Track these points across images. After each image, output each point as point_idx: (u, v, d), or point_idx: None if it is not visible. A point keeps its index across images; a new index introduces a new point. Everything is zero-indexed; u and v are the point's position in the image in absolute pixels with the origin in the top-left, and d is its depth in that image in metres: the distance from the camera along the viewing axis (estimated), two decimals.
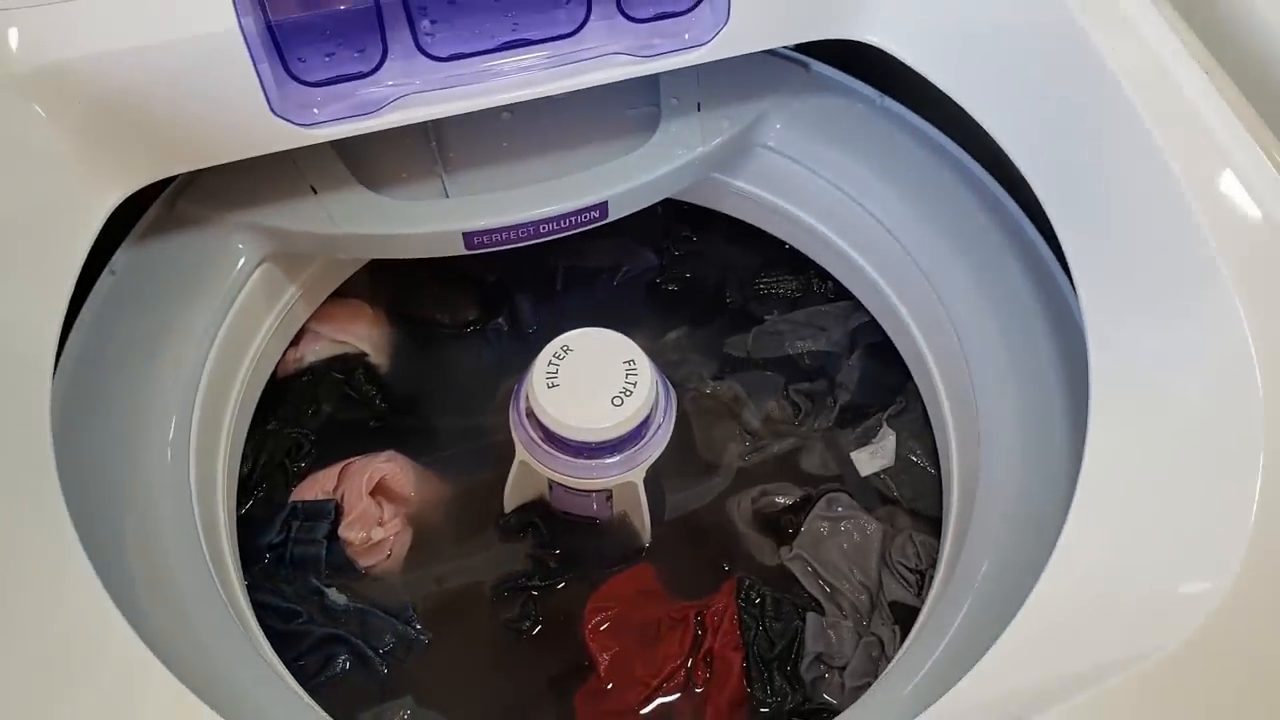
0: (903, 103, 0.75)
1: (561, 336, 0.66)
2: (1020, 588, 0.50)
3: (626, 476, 0.66)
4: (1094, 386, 0.54)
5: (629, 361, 0.65)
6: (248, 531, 0.69)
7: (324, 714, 0.55)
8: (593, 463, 0.65)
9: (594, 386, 0.64)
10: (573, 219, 0.71)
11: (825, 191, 0.76)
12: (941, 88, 0.64)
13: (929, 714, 0.46)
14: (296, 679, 0.61)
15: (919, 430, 0.77)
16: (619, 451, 0.66)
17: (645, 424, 0.65)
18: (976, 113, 0.63)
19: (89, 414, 0.60)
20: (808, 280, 0.85)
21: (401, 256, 0.71)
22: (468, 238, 0.69)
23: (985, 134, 0.62)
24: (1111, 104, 0.55)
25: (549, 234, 0.71)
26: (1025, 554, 0.56)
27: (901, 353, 0.77)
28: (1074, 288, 0.58)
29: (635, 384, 0.64)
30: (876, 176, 0.74)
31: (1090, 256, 0.57)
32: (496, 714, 0.66)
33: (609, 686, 0.66)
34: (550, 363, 0.65)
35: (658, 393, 0.66)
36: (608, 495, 0.69)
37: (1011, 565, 0.57)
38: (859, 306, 0.81)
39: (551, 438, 0.64)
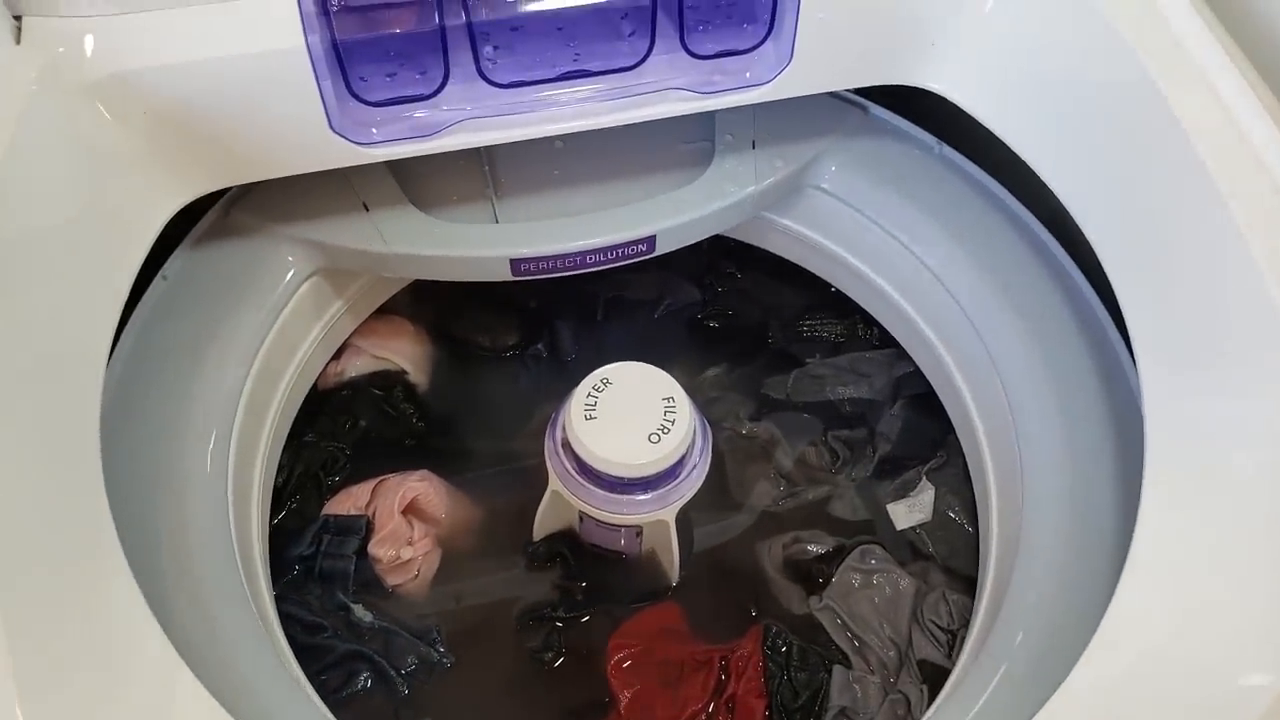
0: (961, 151, 0.74)
1: (602, 369, 0.66)
2: (1057, 663, 0.49)
3: (658, 514, 0.66)
4: (1149, 458, 0.52)
5: (668, 399, 0.65)
6: (279, 542, 0.69)
7: (321, 703, 0.55)
8: (625, 498, 0.65)
9: (632, 421, 0.64)
10: (620, 250, 0.71)
11: (875, 236, 0.75)
12: (1004, 140, 0.63)
13: None
14: (318, 692, 0.61)
15: (958, 486, 0.75)
16: (653, 489, 0.65)
17: (681, 463, 0.65)
18: (1040, 168, 0.62)
19: (135, 415, 0.61)
20: (853, 325, 0.84)
21: (448, 279, 0.72)
22: (515, 264, 0.70)
23: (1045, 188, 0.61)
24: (1185, 169, 0.53)
25: (596, 264, 0.71)
26: (1065, 628, 0.55)
27: (945, 406, 0.76)
28: (1131, 353, 0.56)
29: (674, 421, 0.64)
30: (929, 224, 0.73)
31: (1151, 323, 0.55)
32: None
33: None
34: (590, 395, 0.65)
35: (695, 432, 0.66)
36: (638, 531, 0.69)
37: (1049, 638, 0.56)
38: (904, 355, 0.80)
39: (585, 470, 0.64)
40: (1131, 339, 0.56)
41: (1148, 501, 0.51)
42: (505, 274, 0.70)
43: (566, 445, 0.65)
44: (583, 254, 0.70)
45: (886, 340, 0.81)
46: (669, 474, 0.65)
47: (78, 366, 0.51)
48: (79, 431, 0.50)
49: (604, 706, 0.66)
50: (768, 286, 0.87)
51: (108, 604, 0.46)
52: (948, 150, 0.74)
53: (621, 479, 0.63)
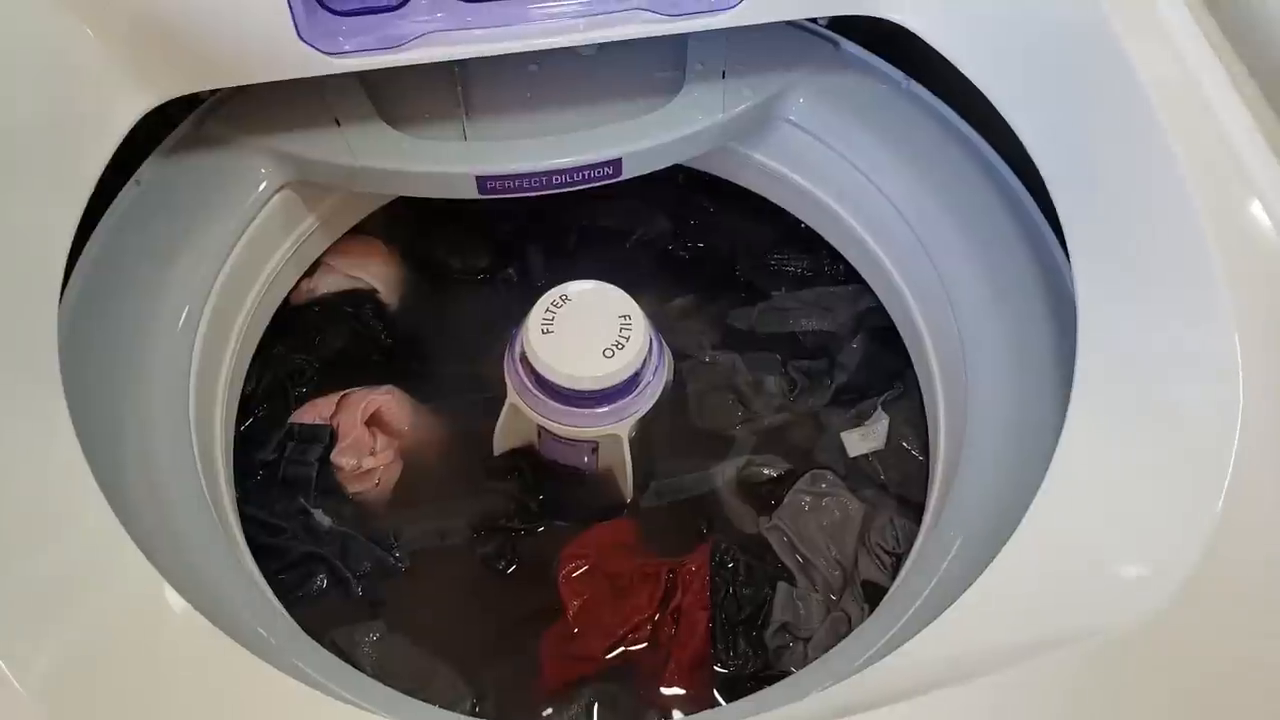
0: (930, 88, 0.75)
1: (561, 286, 0.67)
2: (985, 567, 0.51)
3: (612, 428, 0.67)
4: (1078, 378, 0.54)
5: (625, 316, 0.66)
6: (245, 447, 0.71)
7: (275, 600, 0.57)
8: (581, 411, 0.66)
9: (588, 337, 0.65)
10: (586, 173, 0.72)
11: (843, 171, 0.76)
12: (966, 73, 0.64)
13: (874, 669, 0.47)
14: (275, 591, 0.64)
15: (913, 417, 0.77)
16: (607, 403, 0.67)
17: (635, 378, 0.66)
18: (999, 102, 0.62)
19: (101, 315, 0.62)
20: (819, 260, 0.85)
21: (415, 195, 0.73)
22: (481, 182, 0.71)
23: (1011, 130, 0.62)
24: (1135, 112, 0.55)
25: (562, 185, 0.72)
26: (995, 538, 0.57)
27: (903, 337, 0.77)
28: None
29: (629, 338, 0.65)
30: (895, 160, 0.74)
31: (1092, 256, 0.57)
32: (464, 645, 0.67)
33: (575, 631, 0.67)
34: (548, 310, 0.66)
35: (650, 350, 0.67)
36: (594, 448, 0.70)
37: (980, 547, 0.57)
38: (868, 290, 0.81)
39: (542, 383, 0.66)
40: (1075, 276, 0.57)
41: (1073, 415, 0.53)
42: (471, 191, 0.71)
43: (524, 359, 0.66)
44: (549, 174, 0.71)
45: (852, 276, 0.82)
46: (623, 389, 0.66)
47: (38, 260, 0.53)
48: (35, 323, 0.51)
49: (553, 613, 0.68)
50: (738, 220, 0.88)
51: (50, 472, 0.47)
52: (915, 86, 0.75)
53: (576, 392, 0.65)
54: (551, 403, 0.66)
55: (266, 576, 0.64)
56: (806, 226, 0.83)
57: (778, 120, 0.77)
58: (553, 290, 0.67)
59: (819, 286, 0.84)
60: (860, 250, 0.79)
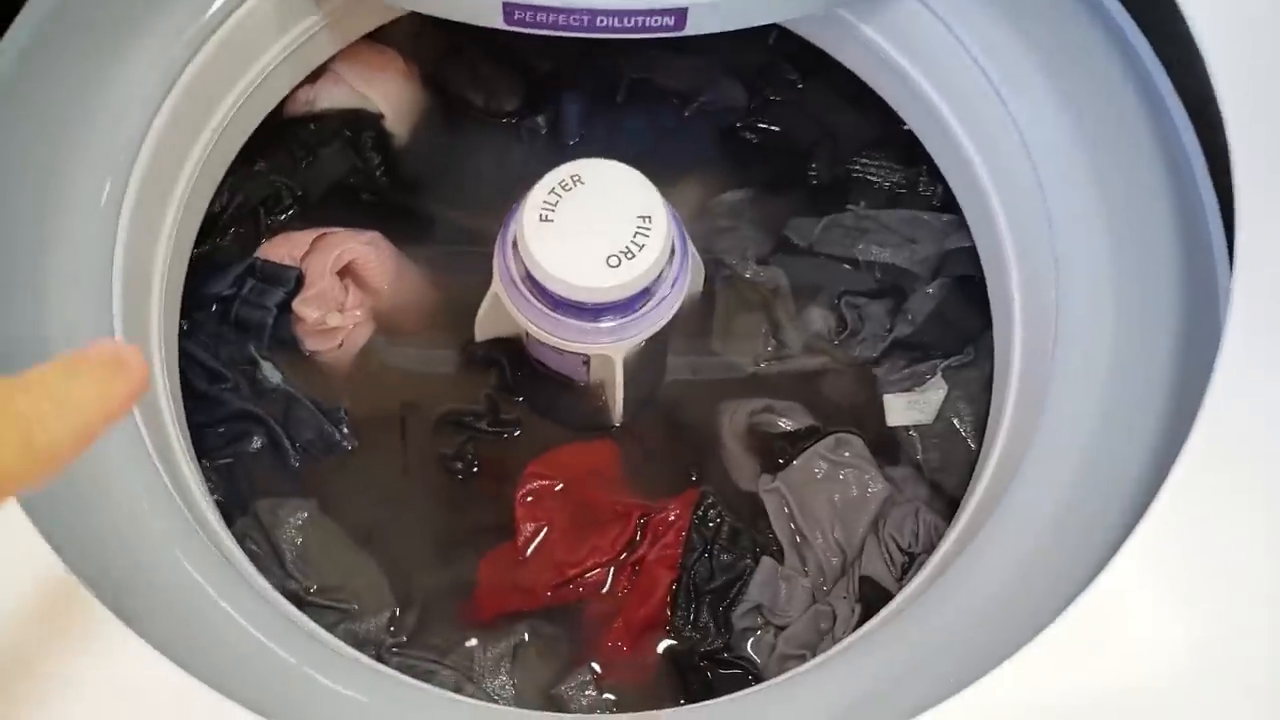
0: None
1: (576, 163, 0.55)
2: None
3: (603, 349, 0.56)
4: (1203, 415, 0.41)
5: (645, 218, 0.53)
6: (201, 274, 0.62)
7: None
8: (570, 322, 0.55)
9: (594, 235, 0.53)
10: (639, 19, 0.57)
11: (966, 71, 0.59)
12: None
13: None
14: (199, 446, 0.57)
15: (976, 394, 0.64)
16: (604, 318, 0.55)
17: (641, 296, 0.54)
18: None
19: (35, 100, 0.52)
20: (915, 176, 0.70)
21: (429, 12, 0.59)
22: (508, 9, 0.56)
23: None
24: None
25: (608, 30, 0.57)
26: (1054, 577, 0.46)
27: (990, 298, 0.63)
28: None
29: (642, 247, 0.53)
30: (1035, 71, 0.57)
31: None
32: (399, 548, 0.60)
33: (521, 560, 0.59)
34: (553, 191, 0.54)
35: (668, 265, 0.55)
36: (585, 359, 0.60)
37: (1028, 577, 0.47)
38: (964, 227, 0.66)
39: (530, 279, 0.54)
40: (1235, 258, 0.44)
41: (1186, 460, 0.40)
42: (495, 19, 0.57)
43: (515, 244, 0.55)
44: (591, 13, 0.56)
45: (950, 206, 0.67)
46: (626, 305, 0.55)
47: None
48: None
49: (502, 533, 0.60)
50: (830, 106, 0.72)
51: None
52: None
53: (565, 299, 0.53)
54: (537, 304, 0.55)
55: (197, 429, 0.58)
56: (909, 130, 0.67)
57: None
58: (564, 167, 0.54)
59: (906, 209, 0.69)
60: (965, 175, 0.63)
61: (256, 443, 0.60)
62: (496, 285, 0.57)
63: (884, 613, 0.53)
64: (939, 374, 0.65)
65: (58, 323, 0.49)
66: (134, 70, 0.55)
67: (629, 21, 0.57)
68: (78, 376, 0.26)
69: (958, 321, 0.66)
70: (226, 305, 0.62)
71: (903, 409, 0.65)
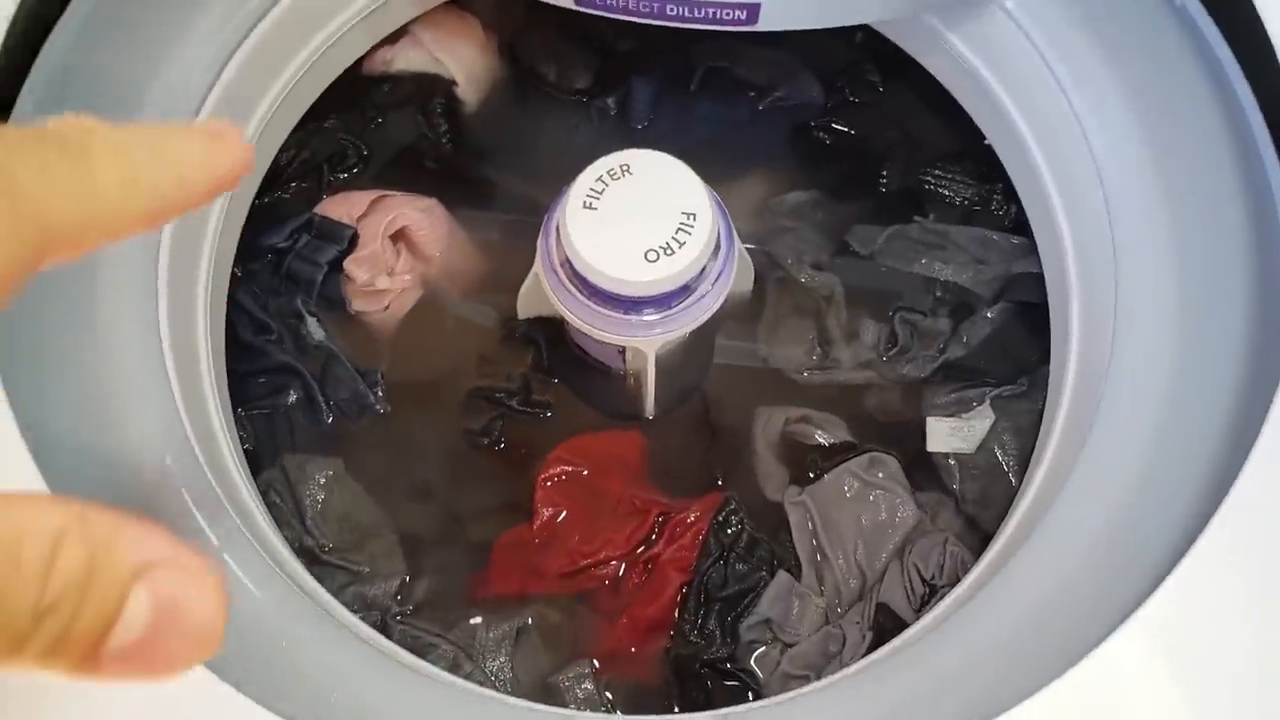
0: (1215, 20, 0.52)
1: (627, 152, 0.54)
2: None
3: (636, 341, 0.56)
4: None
5: (689, 215, 0.52)
6: (260, 225, 0.64)
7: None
8: (604, 312, 0.55)
9: (637, 227, 0.52)
10: (710, 11, 0.55)
11: (1047, 91, 0.56)
12: None
13: None
14: (237, 395, 0.58)
15: (1024, 428, 0.61)
16: (640, 311, 0.54)
17: (679, 293, 0.53)
18: None
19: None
20: (989, 194, 0.66)
21: None
22: None
23: None
24: None
25: (677, 20, 0.56)
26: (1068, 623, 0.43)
27: (1051, 329, 0.60)
28: None
29: (684, 244, 0.52)
30: (1118, 96, 0.53)
31: None
32: (417, 517, 0.60)
33: (537, 543, 0.59)
34: (600, 179, 0.53)
35: (711, 264, 0.54)
36: (621, 349, 0.59)
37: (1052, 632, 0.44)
38: (1034, 251, 0.62)
39: (566, 263, 0.54)
40: None
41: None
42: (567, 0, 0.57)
43: (558, 229, 0.54)
44: (660, 1, 0.55)
45: (1021, 229, 0.64)
46: (660, 301, 0.54)
47: None
48: None
49: (520, 513, 0.60)
50: (910, 112, 0.69)
51: None
52: (1196, 6, 0.52)
53: (600, 288, 0.53)
54: (574, 291, 0.55)
55: (237, 378, 0.59)
56: (988, 145, 0.64)
57: (991, 2, 0.57)
58: (613, 156, 0.54)
59: (977, 228, 0.66)
60: (1040, 202, 0.60)
61: (292, 396, 0.61)
62: (538, 266, 0.57)
63: (894, 643, 0.52)
64: (987, 402, 0.62)
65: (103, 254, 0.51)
66: (209, 19, 0.56)
67: (699, 12, 0.55)
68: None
69: (1014, 350, 0.63)
70: (280, 257, 0.64)
71: (945, 435, 0.62)
